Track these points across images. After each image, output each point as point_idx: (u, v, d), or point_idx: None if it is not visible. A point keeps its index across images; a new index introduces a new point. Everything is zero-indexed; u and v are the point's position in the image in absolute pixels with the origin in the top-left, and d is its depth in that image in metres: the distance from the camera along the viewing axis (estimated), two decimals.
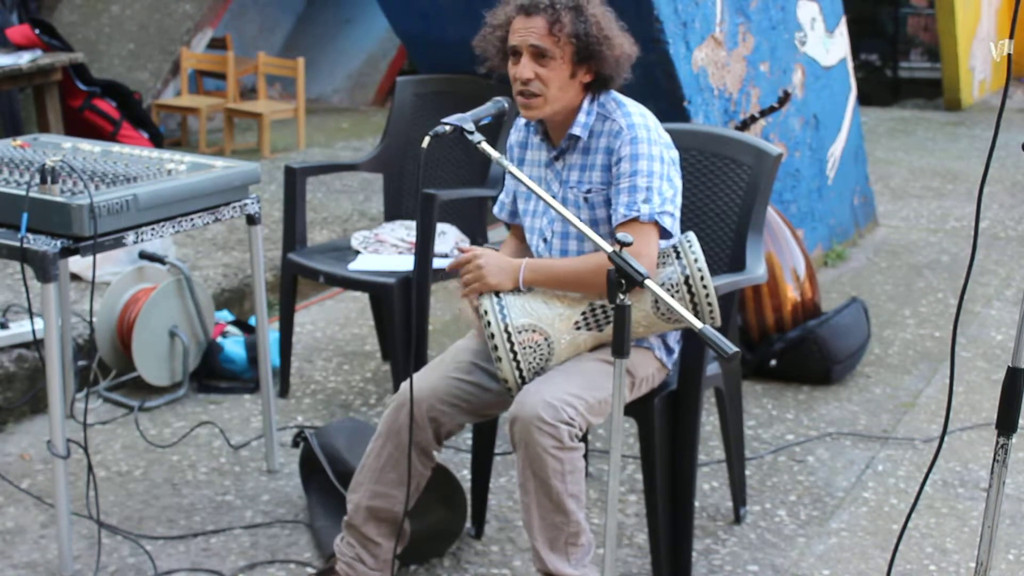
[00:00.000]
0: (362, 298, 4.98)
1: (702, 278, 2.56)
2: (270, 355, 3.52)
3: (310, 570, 2.95)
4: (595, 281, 2.56)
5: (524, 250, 2.90)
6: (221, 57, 8.10)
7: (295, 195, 4.02)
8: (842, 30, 5.81)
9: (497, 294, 2.59)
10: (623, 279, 2.15)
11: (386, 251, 4.01)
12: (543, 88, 2.61)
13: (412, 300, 3.73)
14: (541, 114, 2.65)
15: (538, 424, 2.46)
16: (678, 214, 2.68)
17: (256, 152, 7.71)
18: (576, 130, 2.68)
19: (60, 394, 2.81)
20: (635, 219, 2.59)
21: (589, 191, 2.68)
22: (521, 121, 2.86)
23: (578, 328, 2.61)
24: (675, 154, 2.70)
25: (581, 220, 2.68)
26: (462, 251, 2.67)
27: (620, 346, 2.18)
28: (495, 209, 2.97)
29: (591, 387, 2.55)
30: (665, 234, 2.63)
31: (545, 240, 2.76)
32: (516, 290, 2.62)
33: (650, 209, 2.59)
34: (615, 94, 2.72)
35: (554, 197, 2.73)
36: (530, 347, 2.56)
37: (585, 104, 2.68)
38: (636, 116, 2.67)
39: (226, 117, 7.84)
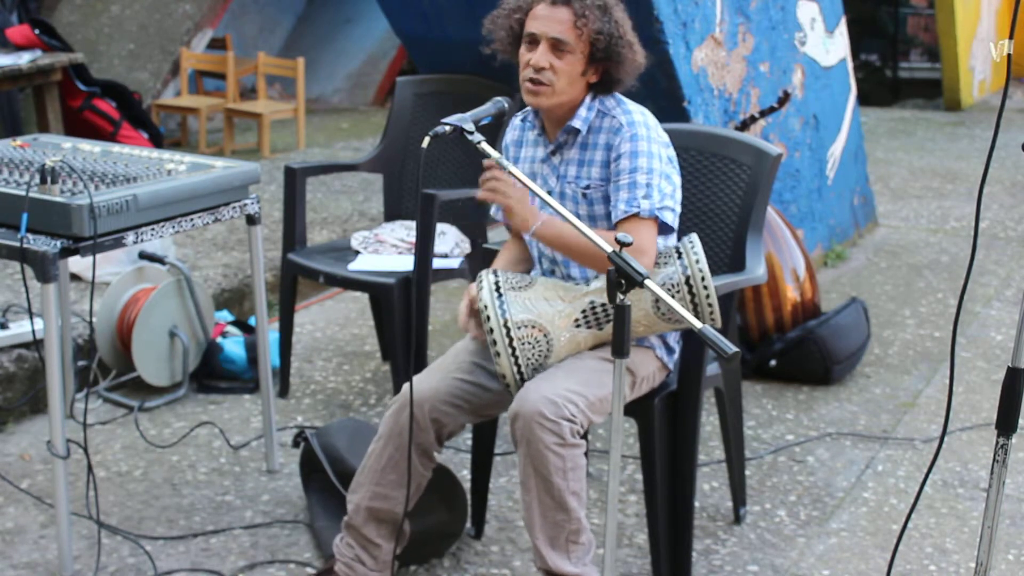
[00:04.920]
0: (362, 298, 4.98)
1: (703, 279, 2.56)
2: (270, 355, 3.52)
3: (310, 570, 2.95)
4: (599, 258, 2.54)
5: (524, 251, 2.90)
6: (221, 57, 8.10)
7: (295, 195, 4.02)
8: (842, 30, 5.81)
9: (498, 289, 2.59)
10: (623, 279, 2.15)
11: (386, 251, 4.01)
12: (554, 79, 2.62)
13: (412, 300, 3.73)
14: (546, 103, 2.65)
15: (540, 420, 2.46)
16: (679, 209, 2.68)
17: (256, 152, 7.71)
18: (576, 123, 2.68)
19: (60, 394, 2.81)
20: (635, 215, 2.60)
21: (588, 187, 2.68)
22: (516, 119, 2.87)
23: (578, 326, 2.61)
24: (672, 152, 2.71)
25: (580, 216, 2.69)
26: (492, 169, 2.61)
27: (620, 346, 2.18)
28: (491, 210, 2.96)
29: (592, 384, 2.56)
30: (666, 229, 2.64)
31: None
32: (515, 286, 2.62)
33: (650, 205, 2.59)
34: (615, 93, 2.73)
35: (550, 192, 2.74)
36: (529, 343, 2.56)
37: (586, 100, 2.69)
38: (636, 114, 2.68)
39: (226, 117, 7.84)
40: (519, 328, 2.56)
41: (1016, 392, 1.98)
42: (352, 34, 10.26)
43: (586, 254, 2.60)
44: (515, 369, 2.56)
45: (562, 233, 2.61)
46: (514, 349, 2.55)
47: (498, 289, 2.60)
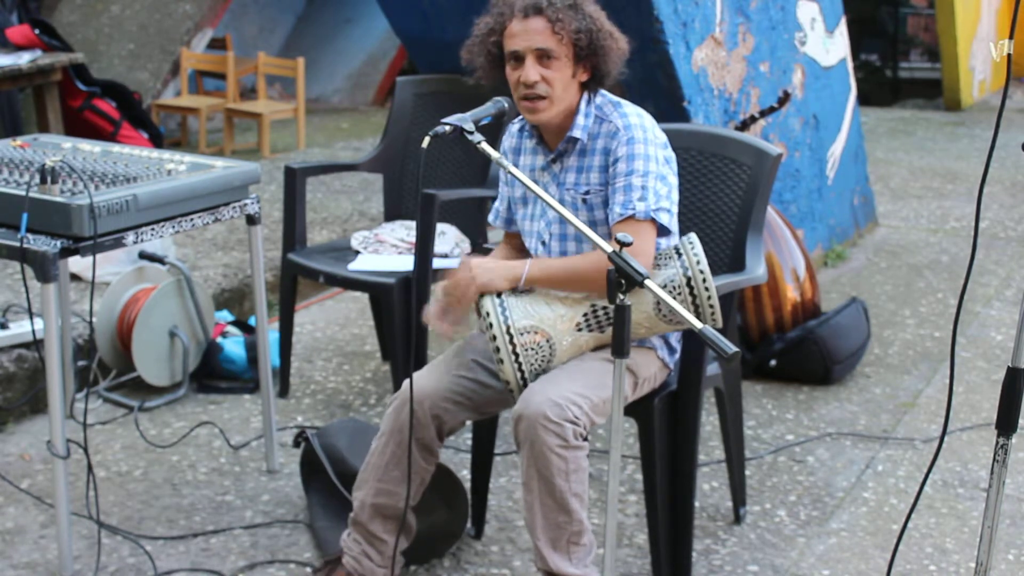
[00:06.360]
0: (362, 298, 4.98)
1: (704, 279, 2.55)
2: (270, 355, 3.52)
3: (314, 565, 2.95)
4: (596, 279, 2.55)
5: (517, 256, 2.90)
6: (221, 57, 8.10)
7: (295, 195, 4.02)
8: (842, 30, 5.81)
9: (499, 295, 2.59)
10: (623, 279, 2.15)
11: (386, 251, 4.01)
12: (549, 89, 2.60)
13: (412, 300, 3.73)
14: (547, 116, 2.64)
15: (543, 422, 2.46)
16: (675, 210, 2.67)
17: (256, 152, 7.71)
18: (576, 132, 2.67)
19: (60, 394, 2.81)
20: (631, 217, 2.59)
21: (587, 192, 2.68)
22: (514, 127, 2.85)
23: (580, 329, 2.61)
24: (670, 154, 2.70)
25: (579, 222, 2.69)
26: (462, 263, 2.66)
27: (620, 346, 2.18)
28: (490, 217, 2.96)
29: (596, 386, 2.55)
30: (663, 230, 2.63)
31: (544, 243, 2.75)
32: (517, 291, 2.62)
33: (646, 207, 2.59)
34: (611, 96, 2.72)
35: None
36: (532, 348, 2.56)
37: (583, 106, 2.68)
38: (633, 117, 2.67)
39: (226, 117, 7.85)
40: (522, 334, 2.55)
41: (1016, 392, 1.98)
42: (352, 34, 10.26)
43: (579, 278, 2.58)
44: (519, 375, 2.56)
45: (550, 267, 2.62)
46: (517, 355, 2.55)
47: (499, 294, 2.59)
